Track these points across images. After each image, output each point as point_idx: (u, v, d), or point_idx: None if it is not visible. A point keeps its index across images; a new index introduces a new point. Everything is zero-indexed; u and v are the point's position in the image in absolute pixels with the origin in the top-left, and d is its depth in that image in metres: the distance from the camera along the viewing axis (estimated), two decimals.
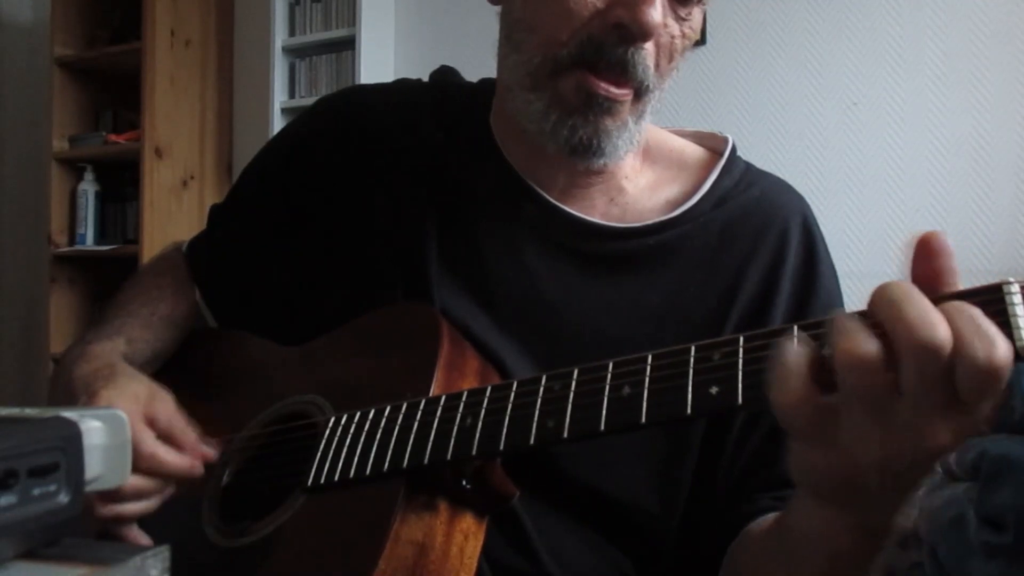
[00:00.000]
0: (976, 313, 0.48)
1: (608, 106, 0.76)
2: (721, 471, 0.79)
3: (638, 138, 0.81)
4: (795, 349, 0.51)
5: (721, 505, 0.79)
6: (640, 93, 0.77)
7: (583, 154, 0.79)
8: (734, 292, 0.81)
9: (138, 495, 0.76)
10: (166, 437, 0.78)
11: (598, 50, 0.75)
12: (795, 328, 0.55)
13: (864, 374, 0.48)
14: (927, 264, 0.52)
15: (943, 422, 0.49)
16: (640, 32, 0.73)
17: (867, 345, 0.48)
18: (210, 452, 0.79)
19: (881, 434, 0.50)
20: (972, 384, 0.48)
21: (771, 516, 0.73)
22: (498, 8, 0.85)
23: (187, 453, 0.78)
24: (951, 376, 0.48)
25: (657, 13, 0.73)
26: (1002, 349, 0.47)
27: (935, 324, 0.47)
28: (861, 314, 0.51)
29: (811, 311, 0.80)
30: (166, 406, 0.80)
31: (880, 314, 0.49)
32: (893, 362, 0.48)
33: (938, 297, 0.50)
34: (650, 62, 0.76)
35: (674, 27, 0.77)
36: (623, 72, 0.75)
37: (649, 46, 0.76)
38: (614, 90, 0.76)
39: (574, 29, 0.75)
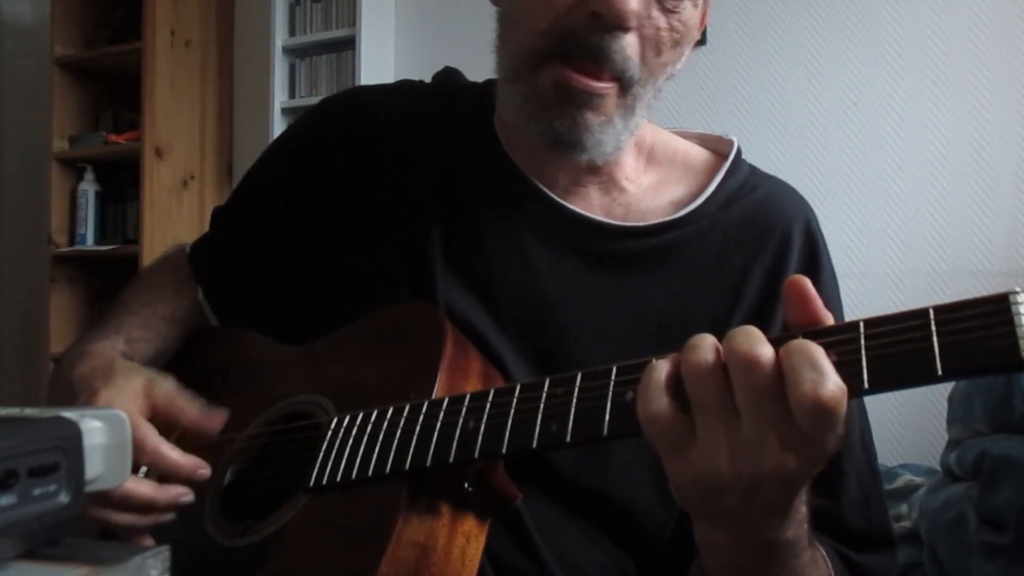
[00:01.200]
0: (813, 349, 0.51)
1: (586, 99, 0.75)
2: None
3: (627, 136, 0.80)
4: (658, 365, 0.55)
5: None
6: (625, 86, 0.76)
7: (563, 148, 0.78)
8: (737, 295, 0.81)
9: (142, 506, 0.75)
10: (167, 418, 0.79)
11: (575, 40, 0.74)
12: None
13: (705, 385, 0.53)
14: (797, 310, 0.55)
15: (783, 445, 0.52)
16: (614, 18, 0.72)
17: (707, 356, 0.53)
18: (215, 420, 0.81)
19: (727, 449, 0.53)
20: (803, 414, 0.50)
21: None
22: (498, 8, 0.85)
23: (190, 428, 0.80)
24: (781, 397, 0.51)
25: (633, 1, 0.73)
26: (831, 385, 0.50)
27: (758, 342, 0.52)
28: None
29: None
30: (165, 390, 0.80)
31: (724, 338, 0.54)
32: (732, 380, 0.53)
33: (803, 333, 0.54)
34: (631, 52, 0.75)
35: (660, 19, 0.76)
36: (598, 60, 0.74)
37: (630, 36, 0.75)
38: (592, 83, 0.75)
39: (552, 20, 0.75)
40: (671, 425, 0.54)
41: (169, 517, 0.77)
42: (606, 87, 0.75)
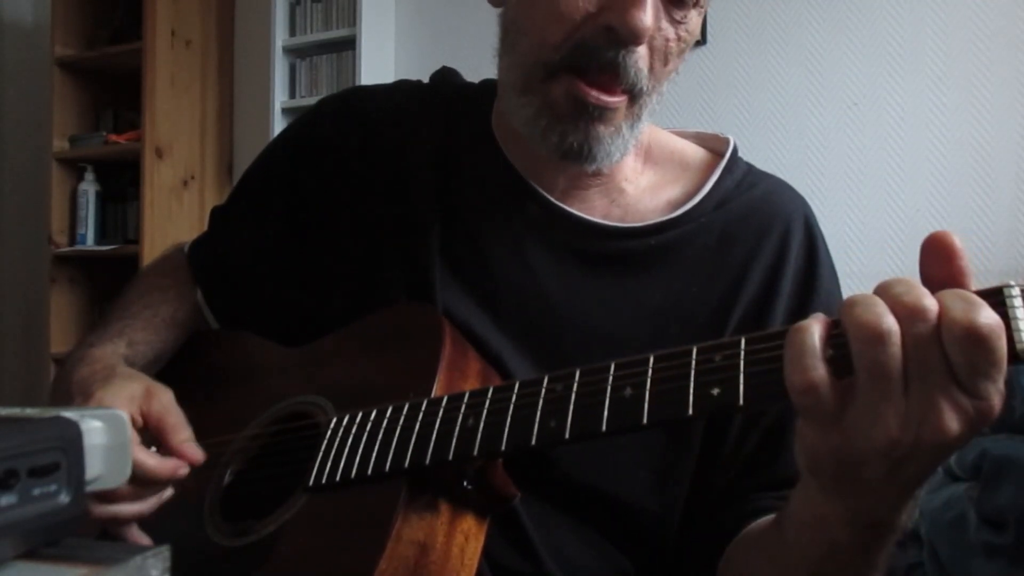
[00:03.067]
0: (964, 291, 0.50)
1: (600, 113, 0.76)
2: (719, 471, 0.79)
3: (633, 142, 0.80)
4: (807, 328, 0.52)
5: (719, 504, 0.79)
6: (634, 97, 0.77)
7: (574, 159, 0.78)
8: (736, 293, 0.81)
9: (132, 496, 0.75)
10: (154, 433, 0.78)
11: (589, 54, 0.74)
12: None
13: (879, 346, 0.50)
14: (941, 267, 0.53)
15: (948, 406, 0.50)
16: (630, 36, 0.73)
17: (886, 319, 0.50)
18: (197, 454, 0.77)
19: (888, 416, 0.50)
20: (960, 353, 0.48)
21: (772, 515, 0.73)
22: (499, 10, 0.85)
23: (171, 452, 0.77)
24: (943, 349, 0.49)
25: (648, 17, 0.72)
26: (985, 313, 0.48)
27: (923, 294, 0.50)
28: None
29: (810, 311, 0.80)
30: (161, 403, 0.79)
31: (880, 295, 0.51)
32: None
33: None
34: (643, 65, 0.75)
35: (668, 30, 0.76)
36: (614, 75, 0.74)
37: (642, 49, 0.75)
38: (605, 97, 0.75)
39: (565, 33, 0.75)
40: (828, 394, 0.51)
41: (169, 493, 0.77)
42: (619, 100, 0.76)
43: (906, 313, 0.49)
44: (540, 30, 0.76)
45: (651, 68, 0.77)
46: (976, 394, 0.49)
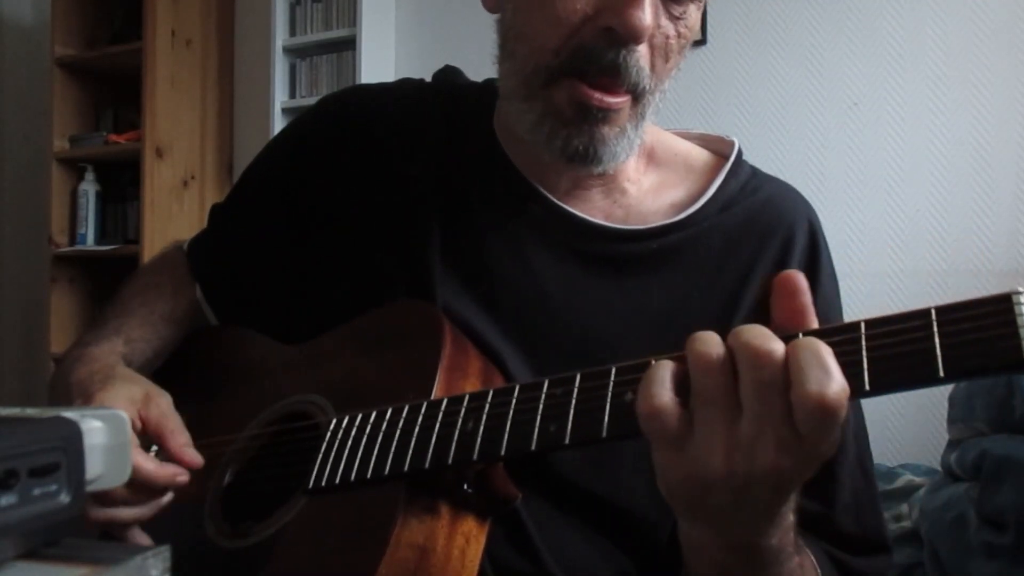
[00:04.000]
0: (822, 348, 0.51)
1: (604, 115, 0.76)
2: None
3: (637, 142, 0.80)
4: (662, 362, 0.55)
5: None
6: (637, 96, 0.76)
7: (580, 162, 0.78)
8: (738, 297, 0.81)
9: (130, 500, 0.75)
10: (154, 437, 0.78)
11: (589, 57, 0.74)
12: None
13: (710, 376, 0.52)
14: (786, 303, 0.55)
15: (779, 444, 0.51)
16: (630, 35, 0.72)
17: (716, 350, 0.53)
18: (196, 459, 0.78)
19: (724, 444, 0.52)
20: (805, 415, 0.50)
21: None
22: (496, 16, 0.84)
23: (171, 457, 0.77)
24: (786, 396, 0.50)
25: (647, 15, 0.72)
26: (835, 386, 0.49)
27: (769, 338, 0.52)
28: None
29: None
30: (160, 407, 0.79)
31: (729, 338, 0.54)
32: (737, 375, 0.52)
33: (804, 332, 0.54)
34: (644, 63, 0.75)
35: (668, 27, 0.76)
36: (616, 76, 0.74)
37: (642, 48, 0.75)
38: (608, 99, 0.75)
39: (564, 37, 0.74)
40: (670, 420, 0.54)
41: (168, 498, 0.77)
42: (622, 101, 0.76)
43: (750, 354, 0.52)
44: (538, 35, 0.76)
45: (652, 66, 0.76)
46: (810, 443, 0.51)
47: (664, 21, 0.76)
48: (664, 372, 0.55)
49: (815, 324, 0.55)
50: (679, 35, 0.77)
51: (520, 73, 0.78)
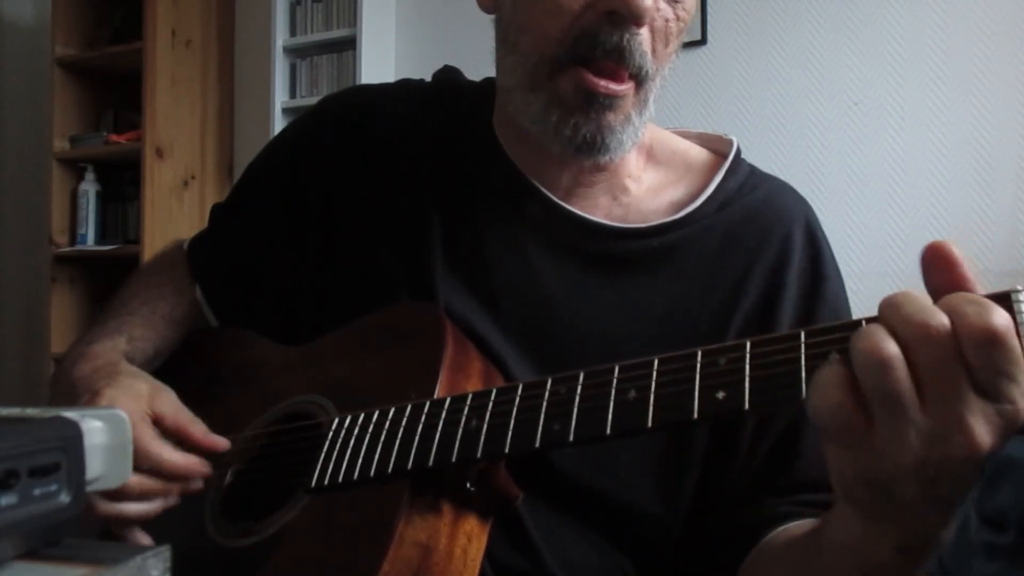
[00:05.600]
0: (971, 295, 0.49)
1: (609, 103, 0.76)
2: (731, 476, 0.79)
3: (641, 130, 0.80)
4: (835, 358, 0.51)
5: (733, 510, 0.78)
6: (640, 81, 0.77)
7: (588, 151, 0.78)
8: (738, 295, 0.81)
9: (141, 495, 0.76)
10: (175, 432, 0.79)
11: (592, 42, 0.74)
12: (802, 334, 0.55)
13: (883, 373, 0.48)
14: (944, 277, 0.52)
15: (973, 417, 0.48)
16: (633, 16, 0.73)
17: (885, 344, 0.48)
18: (222, 442, 0.80)
19: (913, 437, 0.49)
20: (979, 357, 0.47)
21: (801, 524, 0.73)
22: (493, 15, 0.84)
23: (199, 445, 0.79)
24: (962, 361, 0.47)
25: None
26: (998, 313, 0.47)
27: (932, 312, 0.48)
28: (872, 319, 0.51)
29: (818, 315, 0.80)
30: (170, 402, 0.80)
31: (885, 317, 0.50)
32: (910, 361, 0.49)
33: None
34: (647, 47, 0.76)
35: (667, 10, 0.77)
36: (620, 60, 0.75)
37: (644, 31, 0.75)
38: (614, 86, 0.75)
39: (567, 24, 0.75)
40: (848, 415, 0.50)
41: (177, 492, 0.78)
42: (626, 88, 0.76)
43: (920, 334, 0.48)
44: (541, 25, 0.76)
45: (654, 51, 0.77)
46: (1001, 398, 0.48)
47: (663, 4, 0.77)
48: (838, 368, 0.50)
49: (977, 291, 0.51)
50: (678, 18, 0.78)
51: (524, 65, 0.79)
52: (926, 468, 0.50)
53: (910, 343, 0.48)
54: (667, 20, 0.77)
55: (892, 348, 0.49)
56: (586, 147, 0.78)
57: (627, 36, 0.74)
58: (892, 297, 0.50)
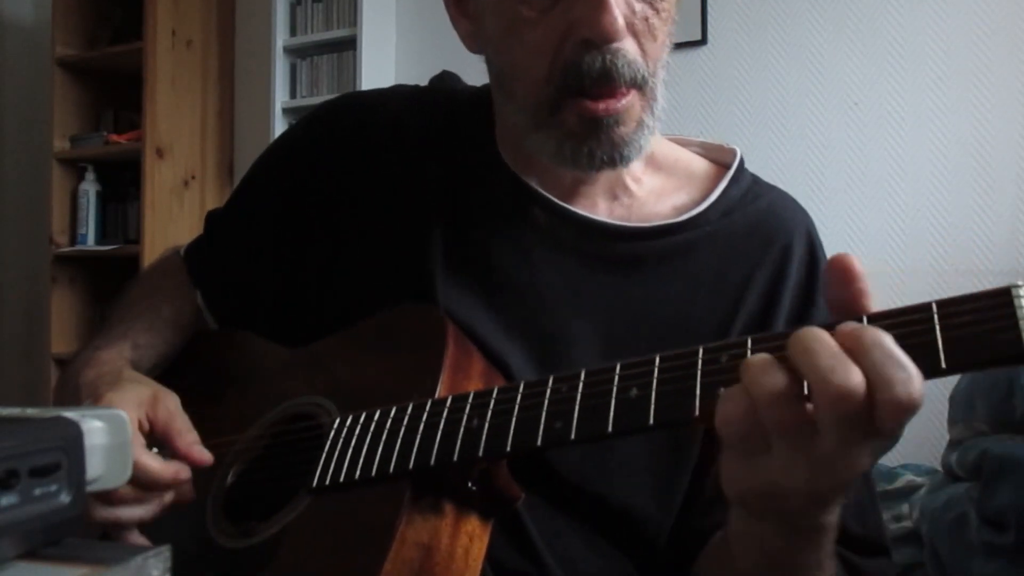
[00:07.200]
0: (888, 346, 0.50)
1: (616, 119, 0.76)
2: (711, 476, 0.79)
3: (657, 126, 0.81)
4: (736, 388, 0.53)
5: (708, 509, 0.79)
6: (641, 86, 0.77)
7: (610, 167, 0.79)
8: (738, 303, 0.82)
9: (133, 500, 0.75)
10: (161, 437, 0.78)
11: (579, 72, 0.74)
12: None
13: (783, 411, 0.51)
14: (842, 289, 0.54)
15: (863, 452, 0.52)
16: (606, 40, 0.73)
17: (779, 382, 0.51)
18: (205, 456, 0.78)
19: (805, 464, 0.52)
20: (892, 418, 0.49)
21: None
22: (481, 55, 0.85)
23: (179, 455, 0.77)
24: (870, 414, 0.49)
25: (615, 17, 0.72)
26: (918, 381, 0.49)
27: (848, 371, 0.49)
28: (780, 356, 0.53)
29: (812, 323, 0.80)
30: (168, 408, 0.79)
31: (796, 361, 0.51)
32: (807, 399, 0.51)
33: (870, 317, 0.53)
34: (633, 55, 0.75)
35: (643, 9, 0.76)
36: (610, 81, 0.75)
37: (626, 42, 0.75)
38: (613, 104, 0.76)
39: (549, 61, 0.75)
40: (750, 428, 0.52)
41: (171, 499, 0.77)
42: (627, 100, 0.76)
43: (833, 394, 0.49)
44: (527, 70, 0.77)
45: (643, 52, 0.77)
46: (891, 436, 0.51)
47: (639, 6, 0.76)
48: (740, 394, 0.53)
49: (871, 308, 0.54)
50: (658, 11, 0.77)
51: (524, 111, 0.80)
52: (818, 489, 0.53)
53: (820, 398, 0.50)
54: (647, 18, 0.76)
55: (780, 384, 0.51)
56: (607, 166, 0.79)
57: (608, 57, 0.74)
58: (805, 339, 0.52)
